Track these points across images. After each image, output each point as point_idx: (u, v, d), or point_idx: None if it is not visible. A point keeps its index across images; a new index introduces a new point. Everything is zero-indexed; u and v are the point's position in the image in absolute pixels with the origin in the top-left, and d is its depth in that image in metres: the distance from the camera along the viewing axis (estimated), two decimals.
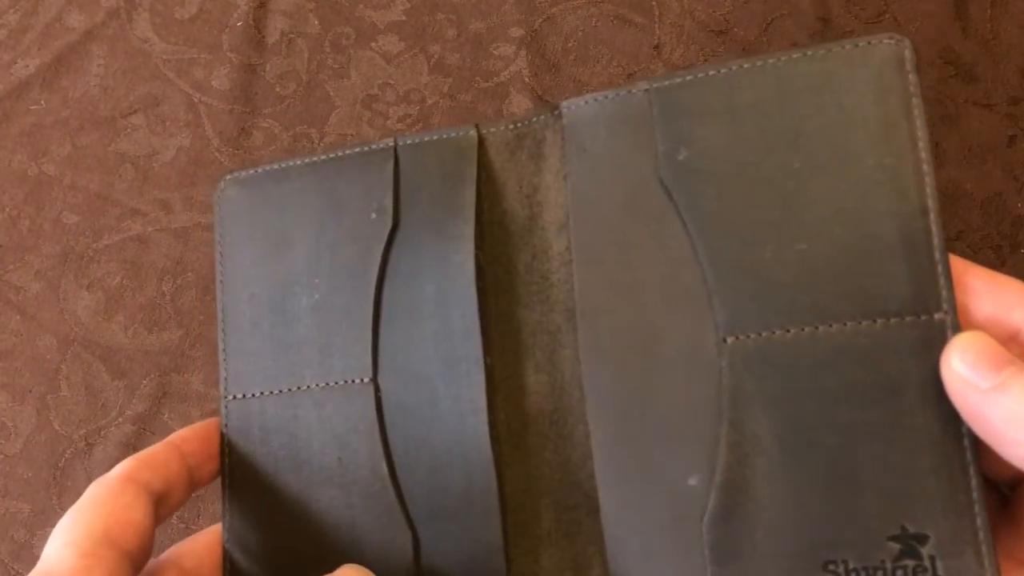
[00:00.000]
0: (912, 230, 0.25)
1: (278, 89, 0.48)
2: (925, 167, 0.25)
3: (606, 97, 0.28)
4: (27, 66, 0.50)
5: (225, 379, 0.31)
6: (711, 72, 0.27)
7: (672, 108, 0.27)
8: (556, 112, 0.29)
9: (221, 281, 0.32)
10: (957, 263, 0.25)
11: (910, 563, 0.23)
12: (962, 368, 0.23)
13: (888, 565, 0.23)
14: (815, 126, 0.26)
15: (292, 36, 0.49)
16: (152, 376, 0.45)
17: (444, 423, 0.28)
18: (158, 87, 0.49)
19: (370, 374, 0.29)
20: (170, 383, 0.45)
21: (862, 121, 0.25)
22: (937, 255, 0.24)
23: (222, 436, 0.31)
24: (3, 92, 0.50)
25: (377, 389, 0.29)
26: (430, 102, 0.47)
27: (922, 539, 0.23)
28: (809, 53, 0.26)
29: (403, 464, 0.29)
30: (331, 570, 0.27)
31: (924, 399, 0.24)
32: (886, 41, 0.26)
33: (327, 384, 0.30)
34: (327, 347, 0.30)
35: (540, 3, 0.48)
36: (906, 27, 0.46)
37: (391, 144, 0.31)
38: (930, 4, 0.46)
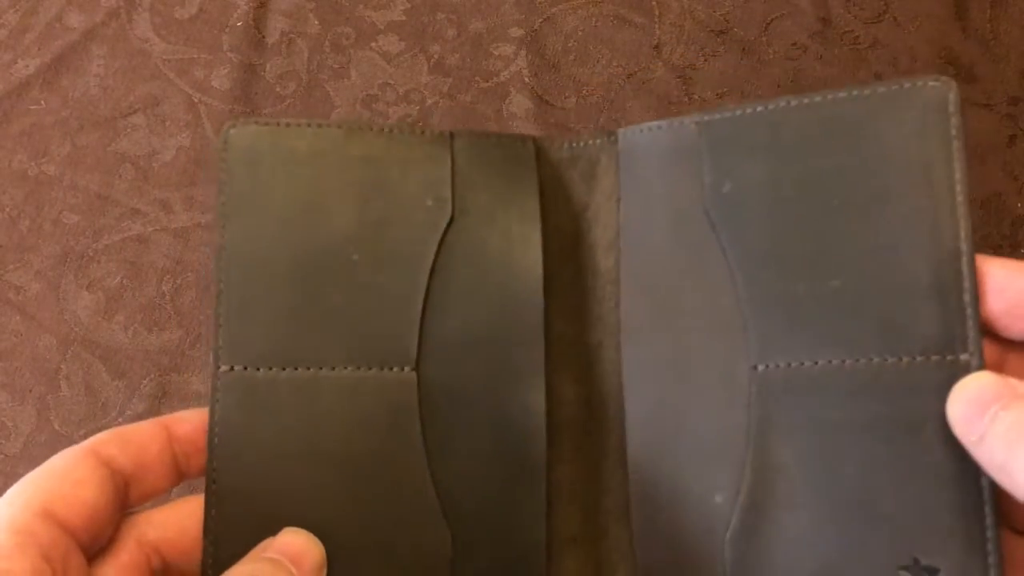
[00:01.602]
0: (944, 272, 0.25)
1: (278, 89, 0.48)
2: (961, 210, 0.25)
3: (659, 127, 0.29)
4: (27, 66, 0.50)
5: (221, 347, 0.28)
6: (759, 108, 0.28)
7: (720, 142, 0.28)
8: (612, 138, 0.30)
9: (224, 236, 0.28)
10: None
11: None
12: (955, 421, 0.24)
13: None
14: (855, 165, 0.26)
15: (292, 36, 0.49)
16: (152, 376, 0.45)
17: (489, 422, 0.28)
18: (158, 87, 0.49)
19: (413, 363, 0.28)
20: (170, 383, 0.45)
21: (903, 162, 0.26)
22: (967, 297, 0.25)
23: (211, 412, 0.27)
24: (3, 92, 0.50)
25: (419, 378, 0.28)
26: (430, 102, 0.47)
27: (933, 572, 0.24)
28: (855, 93, 0.27)
29: (441, 460, 0.28)
30: (350, 571, 0.26)
31: (944, 437, 0.24)
32: (931, 83, 0.26)
33: (359, 367, 0.28)
34: (364, 329, 0.28)
35: (540, 3, 0.48)
36: (906, 27, 0.46)
37: (446, 133, 0.30)
38: (930, 4, 0.46)
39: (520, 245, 0.29)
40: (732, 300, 0.27)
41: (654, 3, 0.48)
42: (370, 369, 0.28)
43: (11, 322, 0.46)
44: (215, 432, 0.27)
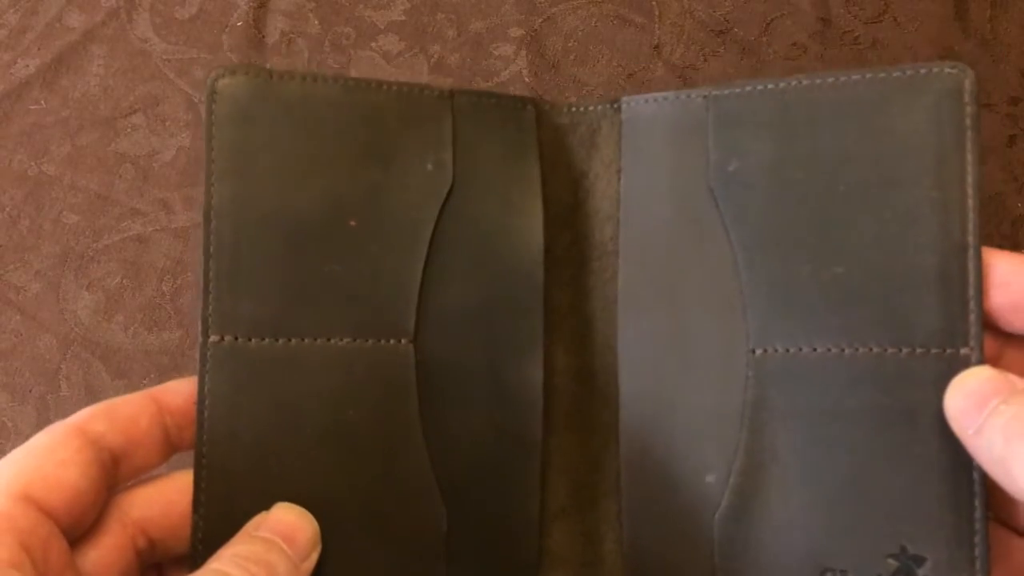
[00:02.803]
0: (949, 265, 0.25)
1: None
2: (971, 202, 0.25)
3: (666, 99, 0.29)
4: (27, 66, 0.50)
5: (211, 315, 0.26)
6: (769, 85, 0.27)
7: (727, 117, 0.27)
8: (616, 106, 0.29)
9: (213, 196, 0.26)
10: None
11: None
12: (952, 413, 0.24)
13: None
14: (866, 150, 0.26)
15: (292, 36, 0.49)
16: (152, 376, 0.45)
17: (486, 396, 0.27)
18: (158, 87, 0.49)
19: (411, 335, 0.27)
20: None
21: (914, 150, 0.25)
22: (971, 291, 0.24)
23: (200, 385, 0.26)
24: (3, 92, 0.50)
25: (417, 351, 0.27)
26: None
27: (920, 561, 0.24)
28: (868, 76, 0.26)
29: (437, 434, 0.27)
30: (345, 546, 0.25)
31: (939, 429, 0.24)
32: (948, 70, 0.25)
33: (356, 339, 0.27)
34: (361, 299, 0.27)
35: (540, 3, 0.48)
36: (906, 27, 0.46)
37: (446, 92, 0.28)
38: (930, 4, 0.46)
39: (520, 215, 0.28)
40: (733, 281, 0.27)
41: (654, 3, 0.48)
42: (367, 341, 0.27)
43: (11, 322, 0.46)
44: (204, 405, 0.26)
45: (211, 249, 0.26)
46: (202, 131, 0.26)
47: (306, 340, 0.26)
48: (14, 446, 0.45)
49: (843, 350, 0.25)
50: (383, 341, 0.27)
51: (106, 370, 0.45)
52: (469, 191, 0.28)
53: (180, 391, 0.27)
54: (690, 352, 0.27)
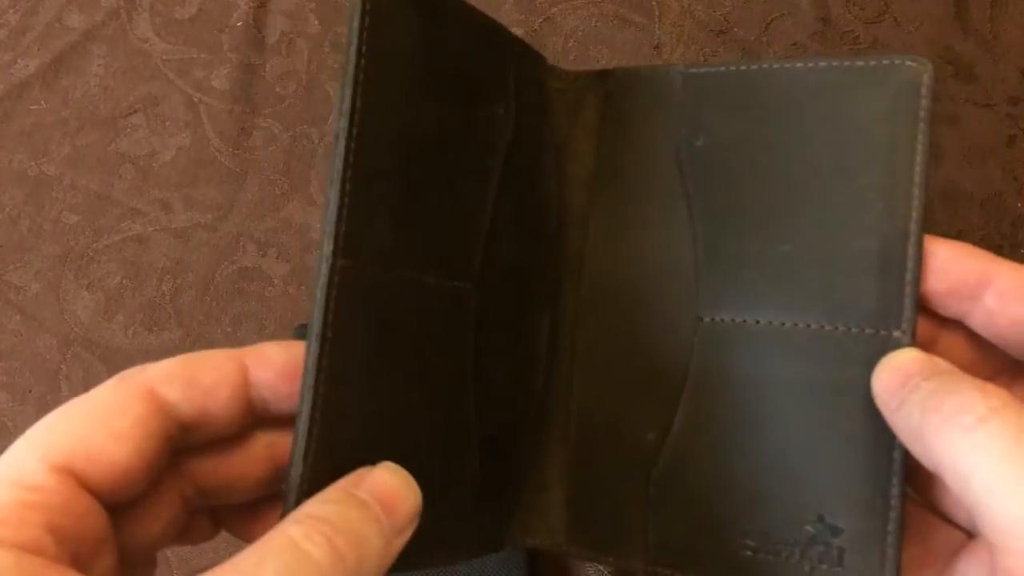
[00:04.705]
0: (890, 251, 0.25)
1: (278, 89, 0.48)
2: (916, 191, 0.25)
3: (648, 72, 0.30)
4: (27, 66, 0.50)
5: (344, 235, 0.23)
6: (743, 67, 0.28)
7: (700, 95, 0.28)
8: (604, 77, 0.30)
9: (355, 106, 0.23)
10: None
11: (820, 548, 0.25)
12: (877, 389, 0.24)
13: (800, 545, 0.25)
14: (824, 135, 0.27)
15: (292, 36, 0.49)
16: None
17: (511, 350, 0.29)
18: (158, 87, 0.49)
19: (476, 280, 0.27)
20: None
21: (867, 138, 0.26)
22: (908, 276, 0.25)
23: (325, 309, 0.23)
24: (3, 92, 0.50)
25: (477, 299, 0.27)
26: None
27: (836, 531, 0.25)
28: (835, 64, 0.27)
29: (481, 385, 0.27)
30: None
31: (866, 408, 0.25)
32: (909, 63, 0.26)
33: (438, 279, 0.26)
34: (447, 237, 0.26)
35: (540, 3, 0.48)
36: (906, 27, 0.46)
37: (512, 40, 0.29)
38: (930, 4, 0.46)
39: (548, 173, 0.30)
40: (690, 250, 0.28)
41: (654, 3, 0.48)
42: (447, 280, 0.26)
43: (11, 322, 0.46)
44: (328, 332, 0.23)
45: (350, 161, 0.23)
46: (346, 34, 0.23)
47: (408, 273, 0.25)
48: None
49: (784, 324, 0.26)
50: (457, 283, 0.27)
51: (106, 370, 0.45)
52: (521, 142, 0.29)
53: (273, 361, 0.24)
54: (644, 314, 0.29)
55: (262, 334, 0.45)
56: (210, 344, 0.45)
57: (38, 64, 0.50)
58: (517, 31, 0.48)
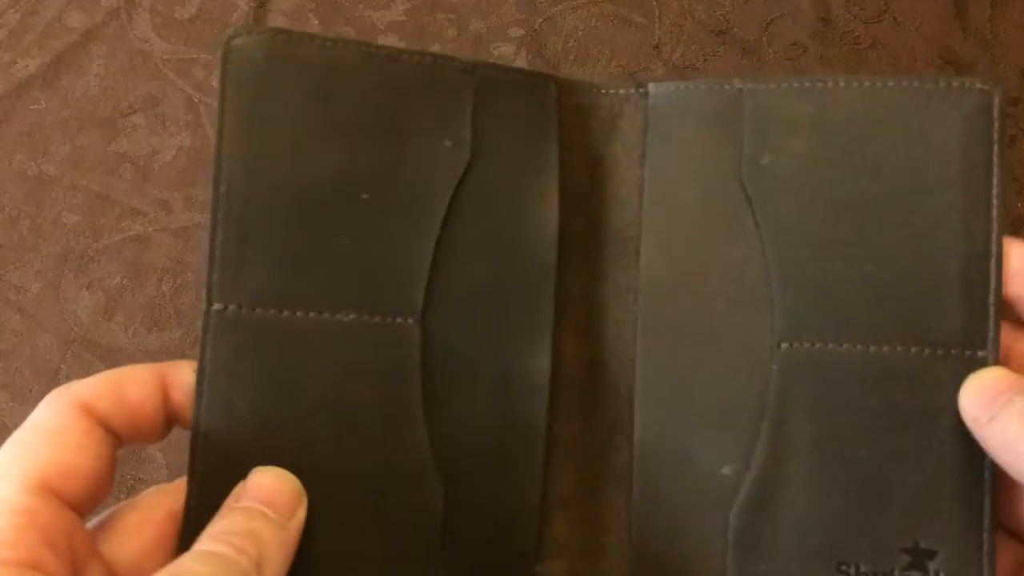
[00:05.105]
0: (972, 271, 0.26)
1: None
2: (995, 212, 0.26)
3: (698, 87, 0.29)
4: (27, 66, 0.50)
5: (215, 283, 0.25)
6: (806, 84, 0.28)
7: (762, 112, 0.28)
8: (641, 90, 0.29)
9: (224, 160, 0.25)
10: None
11: (916, 574, 0.25)
12: (966, 404, 0.25)
13: (896, 573, 0.25)
14: (899, 157, 0.27)
15: None
16: None
17: (491, 380, 0.27)
18: (158, 87, 0.49)
19: (418, 314, 0.27)
20: None
21: (945, 160, 0.27)
22: (991, 297, 0.26)
23: (201, 353, 0.25)
24: (3, 92, 0.50)
25: (423, 331, 0.27)
26: None
27: (931, 555, 0.25)
28: (904, 83, 0.27)
29: (439, 416, 0.27)
30: (339, 522, 0.25)
31: (955, 429, 0.25)
32: (979, 86, 0.27)
33: (362, 315, 0.26)
34: (370, 274, 0.26)
35: (540, 3, 0.48)
36: (906, 27, 0.46)
37: (469, 65, 0.28)
38: (930, 4, 0.46)
39: (536, 198, 0.28)
40: (761, 274, 0.27)
41: (654, 3, 0.48)
42: (373, 318, 0.26)
43: (11, 322, 0.46)
44: (204, 375, 0.25)
45: (219, 215, 0.25)
46: (218, 90, 0.25)
47: (311, 313, 0.26)
48: None
49: (868, 347, 0.26)
50: (389, 319, 0.26)
51: (106, 369, 0.45)
52: (486, 169, 0.28)
53: (185, 381, 0.26)
54: (712, 341, 0.27)
55: None
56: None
57: (38, 64, 0.50)
58: (517, 31, 0.48)
